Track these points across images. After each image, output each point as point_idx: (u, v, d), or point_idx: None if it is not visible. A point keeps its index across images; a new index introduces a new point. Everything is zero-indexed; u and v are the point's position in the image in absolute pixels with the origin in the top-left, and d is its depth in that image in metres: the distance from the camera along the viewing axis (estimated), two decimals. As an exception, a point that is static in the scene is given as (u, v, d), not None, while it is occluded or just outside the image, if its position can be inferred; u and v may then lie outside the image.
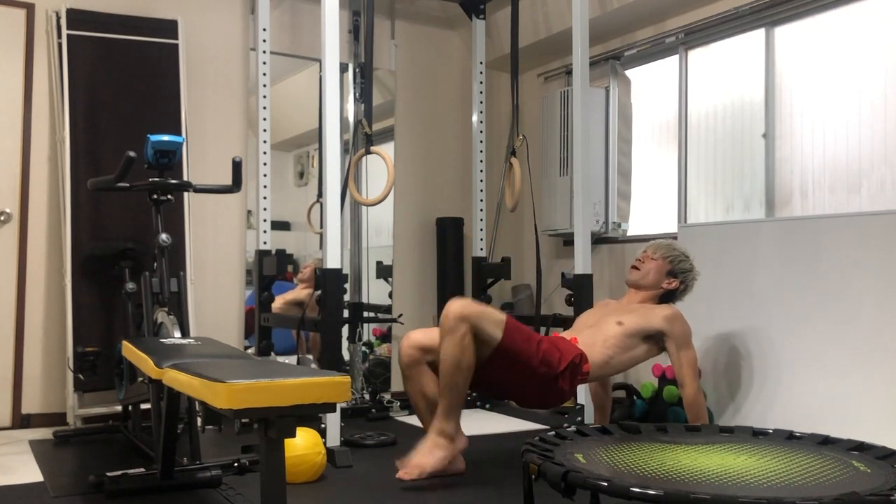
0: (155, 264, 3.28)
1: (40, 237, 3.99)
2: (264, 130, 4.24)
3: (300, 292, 4.55)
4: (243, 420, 1.88)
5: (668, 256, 3.31)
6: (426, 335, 3.04)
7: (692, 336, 3.16)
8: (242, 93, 4.51)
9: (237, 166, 3.43)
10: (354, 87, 4.73)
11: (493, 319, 2.88)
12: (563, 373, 2.94)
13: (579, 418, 3.82)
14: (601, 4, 4.27)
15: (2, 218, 3.93)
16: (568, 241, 4.86)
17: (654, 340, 3.15)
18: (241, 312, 4.46)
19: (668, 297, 3.32)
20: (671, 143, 4.43)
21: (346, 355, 4.55)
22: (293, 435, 1.91)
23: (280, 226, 4.51)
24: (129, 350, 2.74)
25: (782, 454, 2.14)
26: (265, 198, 4.26)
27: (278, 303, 4.44)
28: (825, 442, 2.27)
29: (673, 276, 3.30)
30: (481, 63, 4.76)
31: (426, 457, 2.88)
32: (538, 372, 2.91)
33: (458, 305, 2.85)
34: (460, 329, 2.80)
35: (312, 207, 4.64)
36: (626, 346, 3.11)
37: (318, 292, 3.42)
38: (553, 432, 2.30)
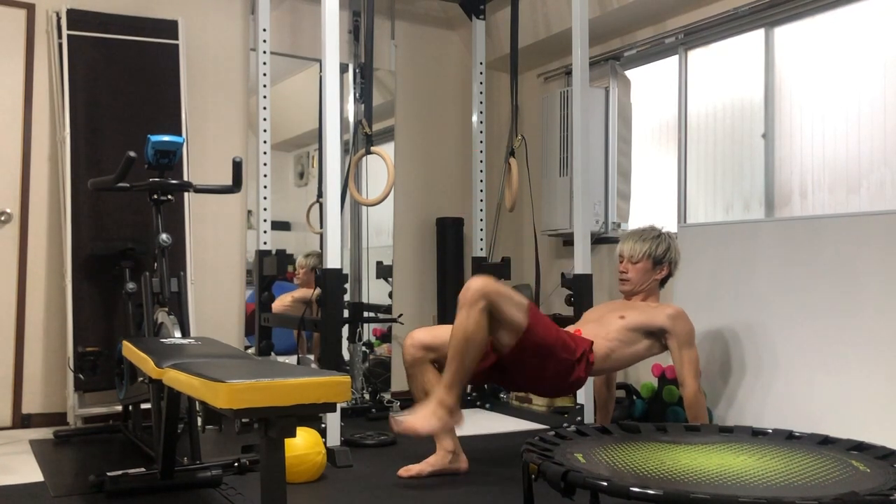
0: (155, 264, 3.28)
1: (40, 237, 3.99)
2: (264, 130, 4.24)
3: (307, 291, 4.55)
4: (243, 420, 1.88)
5: (643, 253, 3.32)
6: (429, 334, 3.04)
7: (695, 336, 3.17)
8: (242, 93, 4.51)
9: (237, 166, 3.43)
10: (354, 87, 4.73)
11: (515, 302, 2.82)
12: (580, 360, 2.97)
13: (579, 418, 3.83)
14: (601, 4, 4.27)
15: (2, 218, 3.93)
16: (568, 241, 4.86)
17: (657, 337, 3.16)
18: (241, 312, 4.46)
19: (666, 281, 3.38)
20: (671, 143, 4.43)
21: (346, 355, 4.56)
22: (293, 435, 1.92)
23: (280, 226, 4.51)
24: (130, 350, 2.74)
25: (782, 454, 2.14)
26: (265, 198, 4.26)
27: (287, 299, 4.44)
28: (825, 442, 2.27)
29: (658, 264, 3.32)
30: (481, 63, 4.76)
31: (421, 421, 2.76)
32: (560, 357, 2.91)
33: (479, 282, 2.78)
34: (478, 304, 2.73)
35: (312, 207, 4.64)
36: (627, 341, 3.13)
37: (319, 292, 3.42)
38: (553, 432, 2.30)
